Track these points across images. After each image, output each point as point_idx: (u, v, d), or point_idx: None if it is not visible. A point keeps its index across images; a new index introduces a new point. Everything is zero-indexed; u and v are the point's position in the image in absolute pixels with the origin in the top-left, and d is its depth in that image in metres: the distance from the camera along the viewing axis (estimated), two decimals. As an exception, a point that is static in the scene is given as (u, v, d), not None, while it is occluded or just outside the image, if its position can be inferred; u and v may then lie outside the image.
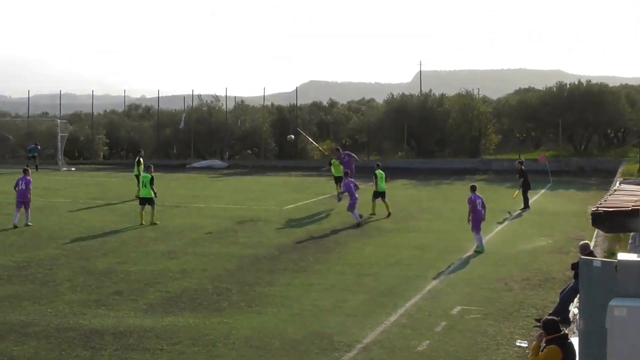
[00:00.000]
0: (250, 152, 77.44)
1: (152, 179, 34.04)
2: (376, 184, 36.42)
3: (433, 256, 26.48)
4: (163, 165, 68.03)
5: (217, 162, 69.79)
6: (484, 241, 27.57)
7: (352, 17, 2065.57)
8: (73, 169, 66.85)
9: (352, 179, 35.41)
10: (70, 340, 16.64)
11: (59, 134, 68.66)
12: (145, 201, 33.78)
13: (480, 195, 28.22)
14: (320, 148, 72.50)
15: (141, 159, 43.36)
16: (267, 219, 34.56)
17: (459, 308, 19.44)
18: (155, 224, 33.01)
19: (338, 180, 39.70)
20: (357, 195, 34.72)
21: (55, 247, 27.70)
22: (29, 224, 32.48)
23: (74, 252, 26.73)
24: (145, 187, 33.88)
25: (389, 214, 35.58)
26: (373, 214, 35.86)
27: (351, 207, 33.97)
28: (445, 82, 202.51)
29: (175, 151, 76.11)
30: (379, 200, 36.14)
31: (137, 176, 40.16)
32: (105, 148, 78.64)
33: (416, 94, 77.04)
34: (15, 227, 31.93)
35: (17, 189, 33.01)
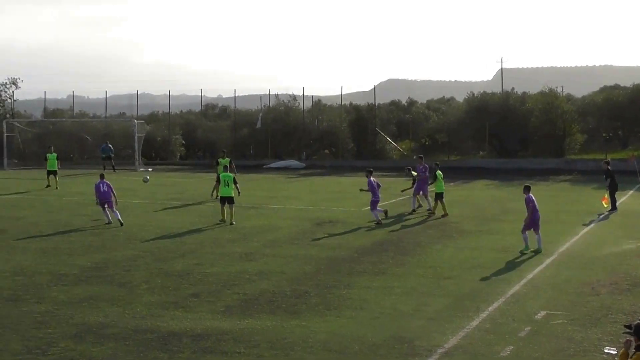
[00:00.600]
0: (328, 152, 77.46)
1: (234, 178, 34.52)
2: (437, 185, 36.37)
3: (516, 259, 26.16)
4: (240, 165, 68.26)
5: (294, 163, 70.00)
6: (542, 241, 27.35)
7: (432, 14, 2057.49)
8: (150, 169, 67.57)
9: (375, 179, 35.61)
10: (147, 342, 16.77)
11: (136, 135, 69.55)
12: (226, 200, 34.11)
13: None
14: (399, 148, 72.31)
15: (220, 160, 43.73)
16: (345, 221, 34.52)
17: (543, 313, 19.14)
18: (232, 224, 33.27)
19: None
20: (379, 194, 35.15)
21: (133, 248, 28.01)
22: (122, 222, 33.56)
23: (151, 254, 26.99)
24: (227, 186, 34.17)
25: (445, 215, 36.04)
26: (445, 214, 36.02)
27: (373, 205, 34.52)
28: (528, 79, 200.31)
29: (252, 151, 76.47)
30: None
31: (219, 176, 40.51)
32: (182, 148, 79.30)
33: (497, 92, 76.37)
34: (120, 223, 33.28)
35: (98, 192, 34.04)
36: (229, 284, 22.37)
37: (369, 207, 34.91)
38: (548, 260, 25.85)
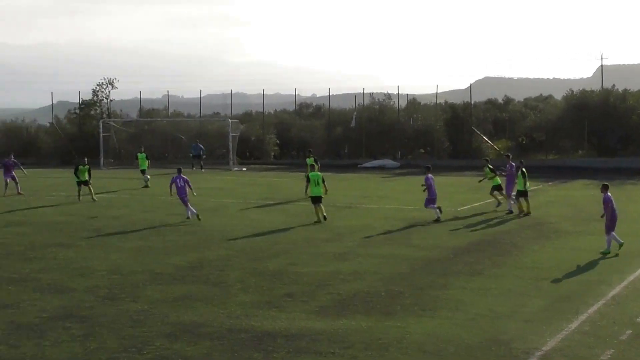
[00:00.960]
0: (423, 151, 77.16)
1: (322, 177, 34.74)
2: (521, 182, 36.03)
3: (617, 260, 25.76)
4: (334, 165, 68.53)
5: (389, 162, 69.92)
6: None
7: (530, 11, 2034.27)
8: (244, 169, 68.19)
9: (432, 175, 35.79)
10: (242, 342, 16.93)
11: (230, 134, 70.14)
12: (318, 200, 34.30)
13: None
14: (495, 147, 71.68)
15: (307, 159, 44.05)
16: (440, 220, 34.35)
17: (645, 316, 18.83)
18: (325, 217, 33.67)
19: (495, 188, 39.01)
20: (436, 191, 35.40)
21: (227, 248, 28.30)
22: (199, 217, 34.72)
23: (245, 253, 27.23)
24: (317, 185, 34.37)
25: (528, 214, 36.03)
26: (527, 213, 36.09)
27: (428, 203, 35.11)
28: (629, 76, 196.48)
29: (346, 151, 76.57)
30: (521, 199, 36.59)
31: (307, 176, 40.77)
32: (276, 148, 79.72)
33: (597, 90, 75.18)
34: (199, 218, 34.55)
35: (176, 187, 35.45)
36: (323, 284, 22.45)
37: (424, 205, 35.58)
38: (650, 262, 25.42)
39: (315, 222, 33.98)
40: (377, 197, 44.64)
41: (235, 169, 67.79)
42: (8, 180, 46.56)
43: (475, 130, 72.70)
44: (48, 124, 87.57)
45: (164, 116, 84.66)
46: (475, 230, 32.21)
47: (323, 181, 34.79)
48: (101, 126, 73.22)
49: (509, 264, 25.21)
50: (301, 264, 25.23)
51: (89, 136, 78.78)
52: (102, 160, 70.75)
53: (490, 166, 38.90)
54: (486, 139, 72.77)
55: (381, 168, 67.56)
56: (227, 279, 23.17)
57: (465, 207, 39.03)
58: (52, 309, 19.75)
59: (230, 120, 72.81)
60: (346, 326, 18.07)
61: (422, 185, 35.88)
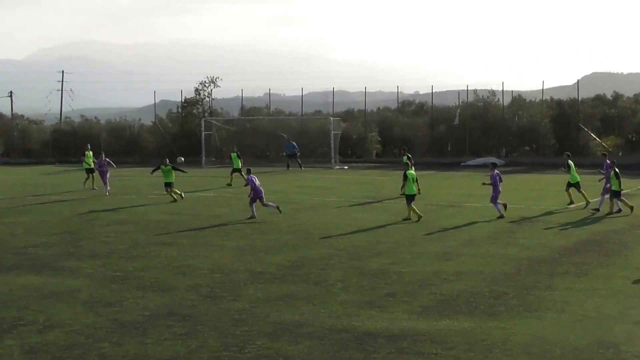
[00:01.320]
0: (529, 148, 76.36)
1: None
2: (615, 183, 35.59)
3: None
4: (437, 163, 68.32)
5: (493, 160, 69.33)
6: None
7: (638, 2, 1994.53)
8: (346, 167, 68.30)
9: (498, 172, 36.12)
10: (343, 342, 16.93)
11: (332, 132, 70.31)
12: (412, 198, 34.45)
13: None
14: (603, 144, 70.57)
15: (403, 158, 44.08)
16: (546, 220, 33.94)
17: None
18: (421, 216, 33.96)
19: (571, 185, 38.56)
20: (500, 188, 35.64)
21: (328, 247, 28.34)
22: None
23: (346, 252, 27.25)
24: (413, 182, 34.57)
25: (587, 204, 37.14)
26: (619, 210, 36.03)
27: (494, 200, 35.34)
28: None
29: (449, 149, 76.18)
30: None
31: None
32: (378, 146, 79.68)
33: None
34: (279, 211, 35.85)
35: (253, 185, 35.94)
36: (426, 283, 22.34)
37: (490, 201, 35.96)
38: None
39: (407, 219, 34.11)
40: (481, 195, 44.19)
41: (337, 167, 67.95)
42: (106, 180, 47.43)
43: (583, 127, 71.65)
44: (151, 123, 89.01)
45: (266, 114, 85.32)
46: (583, 229, 31.73)
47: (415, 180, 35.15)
48: (203, 125, 74.10)
49: (618, 265, 24.77)
50: (403, 264, 25.14)
51: (191, 135, 79.80)
52: (203, 159, 71.58)
53: (571, 162, 38.71)
54: (594, 135, 71.69)
55: (485, 166, 67.01)
56: (328, 278, 23.21)
57: (572, 206, 38.47)
58: (155, 307, 20.02)
59: (332, 119, 73.03)
60: (449, 327, 17.95)
61: (484, 183, 36.79)
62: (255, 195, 35.61)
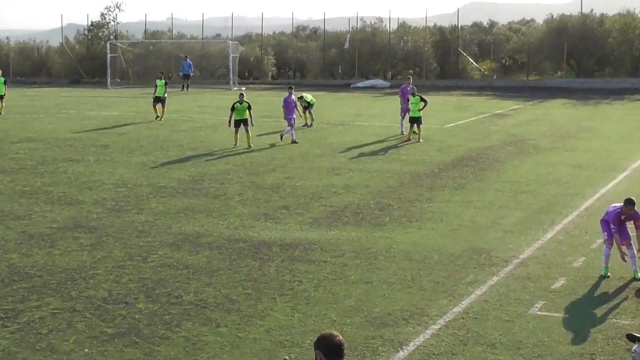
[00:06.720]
0: (412, 72, 76.82)
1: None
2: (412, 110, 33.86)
3: (591, 174, 25.81)
4: (328, 84, 68.33)
5: (380, 82, 69.56)
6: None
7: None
8: (243, 88, 67.82)
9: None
10: (240, 251, 16.98)
11: (231, 55, 69.62)
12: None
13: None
14: (480, 68, 71.35)
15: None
16: (428, 137, 34.25)
17: (617, 226, 18.85)
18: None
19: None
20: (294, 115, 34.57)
21: (226, 163, 28.24)
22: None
23: (243, 168, 27.19)
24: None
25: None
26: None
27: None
28: (606, 2, 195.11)
29: (340, 71, 76.17)
30: None
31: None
32: (274, 68, 79.26)
33: (576, 14, 74.56)
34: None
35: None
36: (317, 196, 22.47)
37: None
38: (621, 176, 25.48)
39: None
40: (369, 115, 44.49)
41: (235, 88, 67.33)
42: None
43: (462, 52, 72.27)
44: (59, 45, 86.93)
45: (168, 38, 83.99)
46: (460, 146, 32.15)
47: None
48: (108, 47, 72.54)
49: (491, 178, 25.25)
50: (296, 178, 25.22)
51: (97, 57, 78.23)
52: (109, 80, 70.31)
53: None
54: (472, 60, 72.44)
55: (372, 88, 67.19)
56: (227, 192, 23.17)
57: (451, 125, 38.96)
58: (62, 220, 19.77)
59: (230, 42, 72.24)
60: (338, 236, 18.13)
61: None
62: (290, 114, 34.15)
